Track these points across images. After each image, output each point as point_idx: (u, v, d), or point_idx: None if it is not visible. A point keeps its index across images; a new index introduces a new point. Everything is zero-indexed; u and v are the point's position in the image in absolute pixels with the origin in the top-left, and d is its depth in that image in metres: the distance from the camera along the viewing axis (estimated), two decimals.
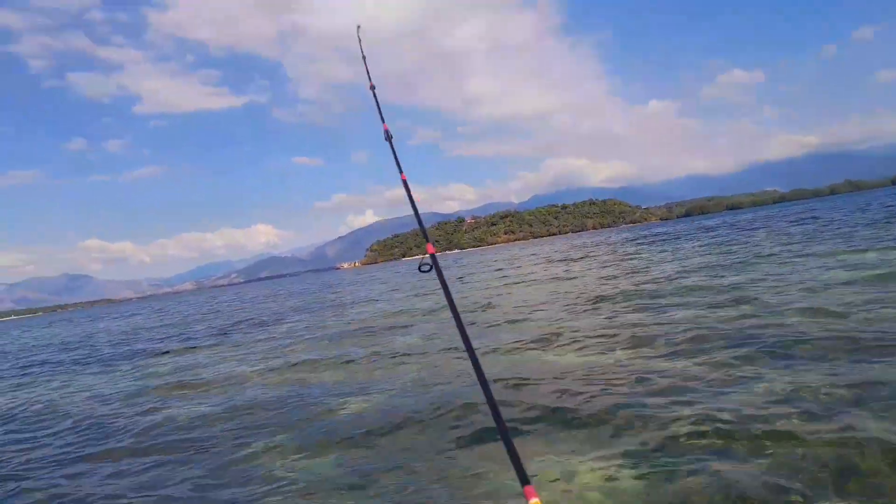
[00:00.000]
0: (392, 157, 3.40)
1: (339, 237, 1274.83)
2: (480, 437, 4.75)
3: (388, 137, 3.57)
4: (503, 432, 1.61)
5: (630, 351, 7.01)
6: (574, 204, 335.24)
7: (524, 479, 1.53)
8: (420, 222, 3.05)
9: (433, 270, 2.68)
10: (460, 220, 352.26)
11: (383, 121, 3.68)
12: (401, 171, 3.35)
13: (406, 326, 12.43)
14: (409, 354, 8.91)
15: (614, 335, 8.00)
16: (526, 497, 1.52)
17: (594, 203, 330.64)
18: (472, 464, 4.24)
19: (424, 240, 2.85)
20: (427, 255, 2.78)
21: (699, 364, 5.93)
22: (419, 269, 2.73)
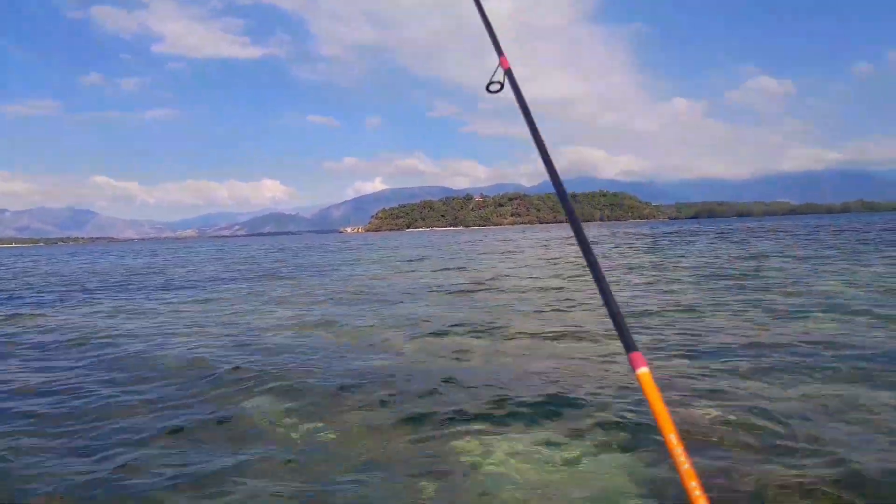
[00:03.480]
0: None
1: (345, 201, 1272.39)
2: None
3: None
4: (608, 303, 1.46)
5: None
6: (584, 193, 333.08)
7: (629, 346, 1.40)
8: (486, 21, 2.38)
9: (503, 90, 2.17)
10: (468, 197, 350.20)
11: None
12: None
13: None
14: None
15: None
16: (633, 365, 1.39)
17: (605, 195, 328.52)
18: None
19: (498, 53, 2.23)
20: (498, 69, 2.21)
21: None
22: (487, 88, 2.23)
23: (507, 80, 2.15)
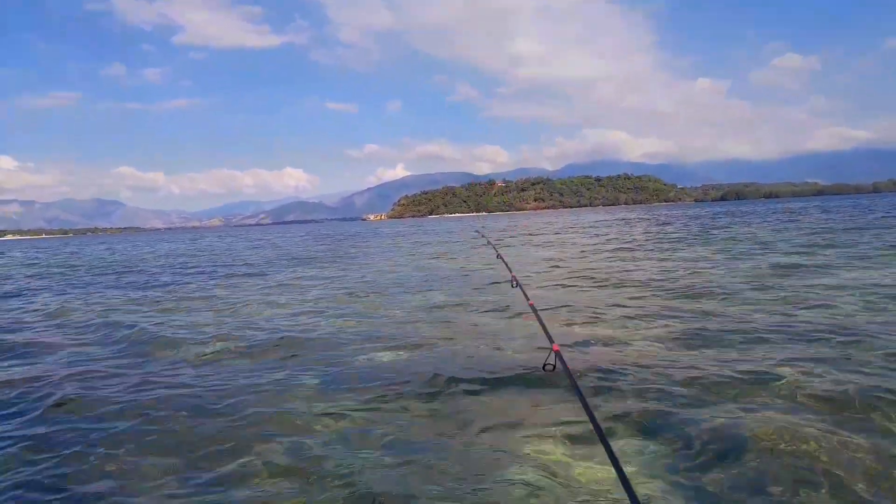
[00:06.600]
0: None
1: (368, 188, 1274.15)
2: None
3: None
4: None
5: None
6: (608, 177, 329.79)
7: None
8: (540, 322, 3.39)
9: (556, 370, 2.86)
10: (491, 183, 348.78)
11: None
12: None
13: None
14: None
15: None
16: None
17: (629, 178, 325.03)
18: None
19: (549, 342, 2.99)
20: (550, 353, 2.95)
21: None
22: (543, 367, 2.97)
23: (558, 361, 2.79)
